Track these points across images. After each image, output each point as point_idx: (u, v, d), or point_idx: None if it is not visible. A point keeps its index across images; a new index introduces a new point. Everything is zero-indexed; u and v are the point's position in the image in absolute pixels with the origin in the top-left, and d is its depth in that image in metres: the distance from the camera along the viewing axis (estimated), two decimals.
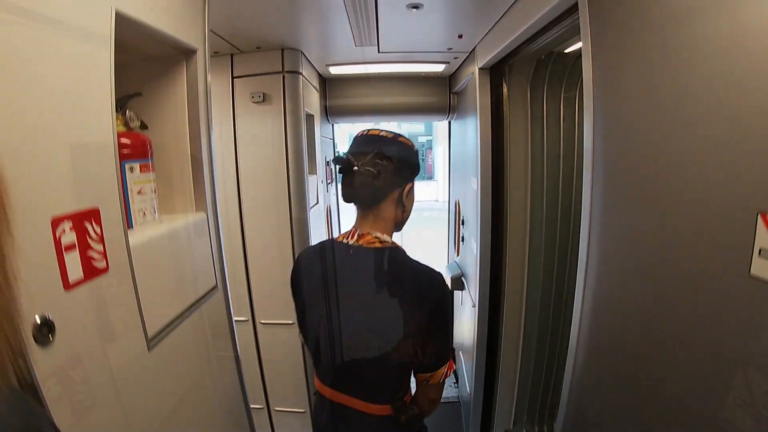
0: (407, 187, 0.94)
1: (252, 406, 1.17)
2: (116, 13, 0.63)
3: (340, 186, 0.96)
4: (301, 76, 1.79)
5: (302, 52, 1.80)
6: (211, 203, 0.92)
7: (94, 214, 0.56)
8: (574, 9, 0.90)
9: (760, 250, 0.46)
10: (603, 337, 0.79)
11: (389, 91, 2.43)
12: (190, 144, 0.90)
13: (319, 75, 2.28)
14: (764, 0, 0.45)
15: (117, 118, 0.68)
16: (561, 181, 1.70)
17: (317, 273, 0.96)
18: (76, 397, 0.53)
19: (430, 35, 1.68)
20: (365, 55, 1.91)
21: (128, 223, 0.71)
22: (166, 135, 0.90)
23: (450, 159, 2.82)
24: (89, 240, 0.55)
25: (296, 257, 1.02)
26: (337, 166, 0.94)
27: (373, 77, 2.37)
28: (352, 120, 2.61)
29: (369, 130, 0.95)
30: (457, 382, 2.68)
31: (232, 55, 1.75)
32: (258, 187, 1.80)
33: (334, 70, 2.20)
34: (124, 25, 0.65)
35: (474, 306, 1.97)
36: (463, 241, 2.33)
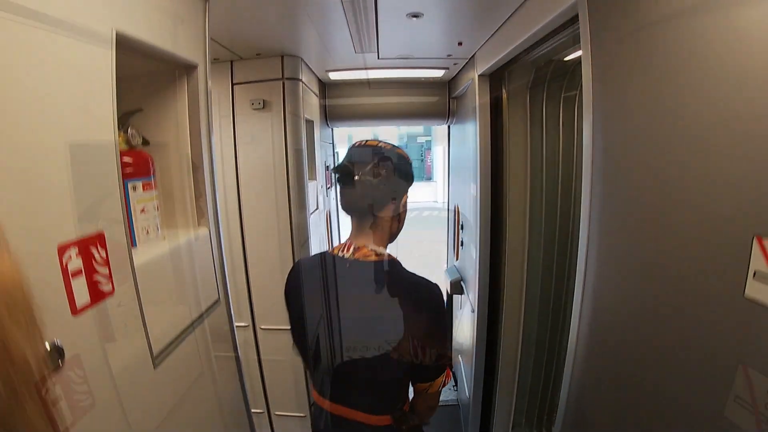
0: (404, 199, 0.95)
1: (252, 410, 1.18)
2: (116, 34, 0.64)
3: (338, 195, 0.96)
4: (300, 83, 1.79)
5: (302, 59, 1.80)
6: (213, 218, 0.93)
7: (99, 239, 0.57)
8: (574, 19, 0.91)
9: (755, 273, 0.47)
10: (601, 339, 0.81)
11: (389, 96, 2.44)
12: (192, 158, 0.91)
13: (319, 80, 2.28)
14: (757, 30, 0.46)
15: (119, 136, 0.69)
16: (560, 187, 1.71)
17: (316, 287, 0.97)
18: (83, 419, 0.54)
19: (429, 42, 1.68)
20: (365, 61, 1.91)
21: (132, 242, 0.71)
22: (167, 150, 0.91)
23: (449, 163, 2.83)
24: (95, 264, 0.56)
25: (290, 270, 1.02)
26: (336, 175, 0.94)
27: (373, 82, 2.37)
28: (352, 124, 2.61)
29: (366, 141, 0.96)
30: (456, 385, 2.69)
31: (232, 62, 1.75)
32: (258, 192, 1.81)
33: (334, 76, 2.20)
34: (124, 44, 0.66)
35: (473, 311, 1.98)
36: (462, 245, 2.34)
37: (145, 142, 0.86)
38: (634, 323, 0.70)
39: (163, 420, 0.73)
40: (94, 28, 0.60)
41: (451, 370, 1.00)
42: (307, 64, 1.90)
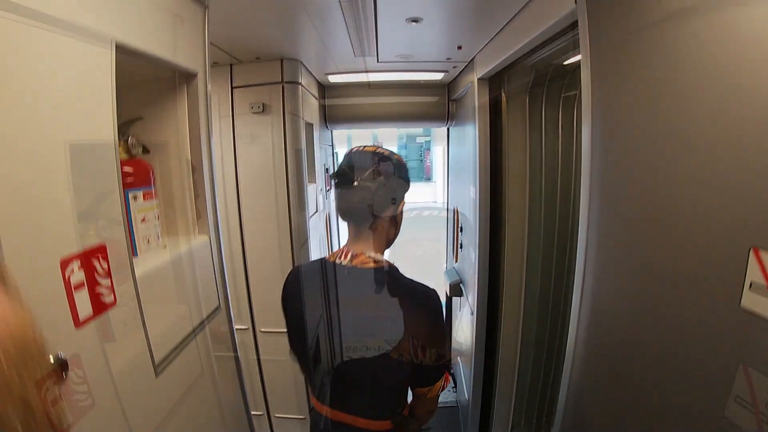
0: (401, 205, 0.95)
1: (252, 412, 1.19)
2: (116, 45, 0.64)
3: (336, 201, 0.96)
4: (300, 86, 1.79)
5: (301, 62, 1.81)
6: (213, 225, 0.93)
7: (101, 250, 0.57)
8: (574, 25, 0.91)
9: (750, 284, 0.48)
10: (600, 341, 0.82)
11: (388, 98, 2.44)
12: (192, 166, 0.91)
13: (318, 83, 2.28)
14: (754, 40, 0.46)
15: (119, 145, 0.69)
16: (559, 190, 1.71)
17: (315, 295, 0.97)
18: (85, 425, 0.54)
19: (429, 46, 1.68)
20: (364, 64, 1.91)
21: (133, 251, 0.72)
22: (167, 157, 0.91)
23: (448, 165, 2.83)
24: (97, 276, 0.56)
25: (286, 277, 1.02)
26: (334, 180, 0.94)
27: (373, 84, 2.38)
28: (351, 126, 2.61)
29: (364, 147, 0.96)
30: (455, 386, 2.70)
31: (231, 66, 1.75)
32: (258, 195, 1.81)
33: (333, 79, 2.20)
34: (124, 54, 0.66)
35: (472, 314, 1.99)
36: (461, 247, 2.35)
37: (146, 151, 0.86)
38: (632, 325, 0.71)
39: (162, 422, 0.73)
40: (93, 38, 0.60)
41: (450, 373, 1.01)
42: (306, 68, 1.90)
